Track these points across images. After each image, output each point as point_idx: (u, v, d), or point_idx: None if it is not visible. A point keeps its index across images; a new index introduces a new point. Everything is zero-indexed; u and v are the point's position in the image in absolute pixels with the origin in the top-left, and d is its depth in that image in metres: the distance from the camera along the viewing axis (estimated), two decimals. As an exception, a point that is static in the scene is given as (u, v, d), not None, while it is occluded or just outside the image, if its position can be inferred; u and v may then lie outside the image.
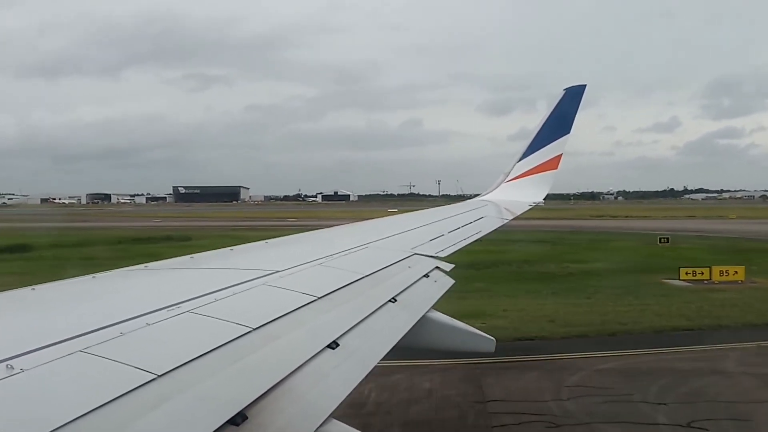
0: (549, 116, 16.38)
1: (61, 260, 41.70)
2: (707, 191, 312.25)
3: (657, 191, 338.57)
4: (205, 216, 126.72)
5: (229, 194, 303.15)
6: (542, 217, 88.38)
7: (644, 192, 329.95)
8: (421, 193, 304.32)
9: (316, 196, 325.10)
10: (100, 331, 3.13)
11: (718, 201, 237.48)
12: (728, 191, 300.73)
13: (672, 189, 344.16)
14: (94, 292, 4.54)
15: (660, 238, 53.02)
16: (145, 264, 5.51)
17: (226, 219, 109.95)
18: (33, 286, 4.26)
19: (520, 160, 16.57)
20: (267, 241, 7.71)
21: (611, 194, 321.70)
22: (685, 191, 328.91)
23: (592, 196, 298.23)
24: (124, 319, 3.37)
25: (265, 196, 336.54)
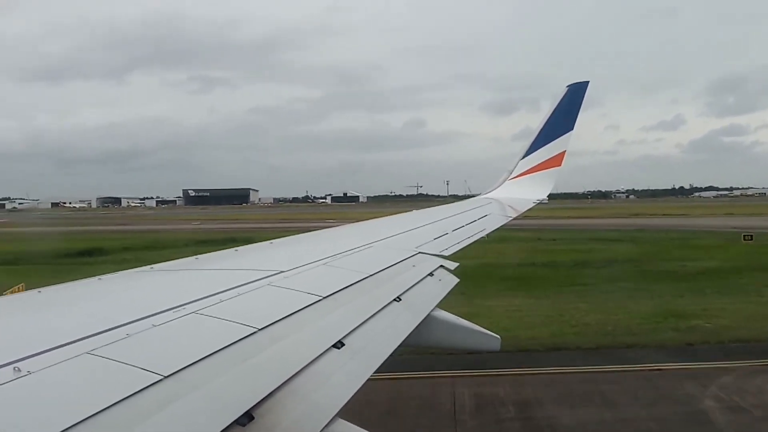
0: (552, 113, 16.33)
1: (147, 263, 40.72)
2: (716, 189, 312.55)
3: (666, 189, 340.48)
4: (231, 218, 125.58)
5: (239, 197, 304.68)
6: (581, 216, 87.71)
7: (653, 190, 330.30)
8: (429, 194, 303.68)
9: (325, 198, 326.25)
10: (107, 332, 3.14)
11: (730, 199, 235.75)
12: (738, 188, 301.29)
13: (681, 187, 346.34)
14: (101, 294, 4.55)
15: (744, 236, 53.26)
16: (151, 265, 5.53)
17: (257, 221, 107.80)
18: (39, 289, 4.28)
19: (523, 157, 16.51)
20: (272, 241, 7.72)
21: (622, 193, 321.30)
22: (694, 189, 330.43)
23: (603, 195, 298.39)
24: (131, 320, 3.38)
25: (274, 198, 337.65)
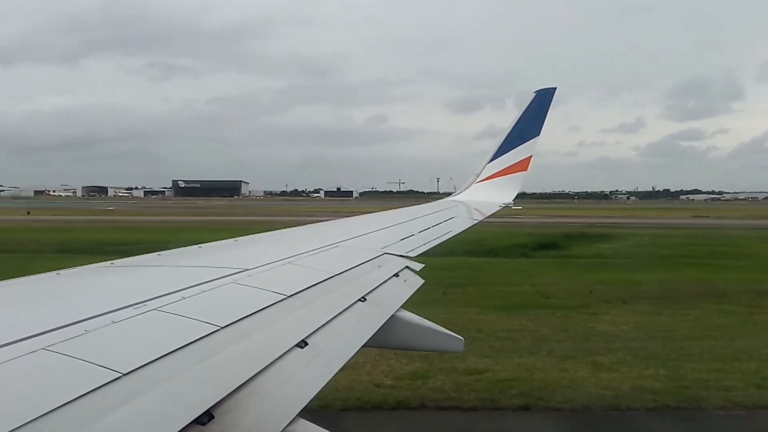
0: (519, 118, 16.62)
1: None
2: (701, 192, 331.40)
3: (650, 191, 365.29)
4: (238, 211, 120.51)
5: (231, 189, 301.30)
6: (711, 216, 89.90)
7: (646, 192, 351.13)
8: (419, 190, 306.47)
9: (318, 192, 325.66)
10: (64, 328, 3.07)
11: (723, 202, 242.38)
12: (728, 192, 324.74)
13: (667, 189, 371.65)
14: (59, 289, 4.45)
15: None
16: (111, 261, 5.43)
17: (273, 214, 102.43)
18: None
19: (490, 161, 16.76)
20: (236, 238, 7.65)
21: (623, 194, 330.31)
22: (681, 192, 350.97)
23: (605, 196, 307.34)
24: (89, 316, 3.31)
25: (264, 192, 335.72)
